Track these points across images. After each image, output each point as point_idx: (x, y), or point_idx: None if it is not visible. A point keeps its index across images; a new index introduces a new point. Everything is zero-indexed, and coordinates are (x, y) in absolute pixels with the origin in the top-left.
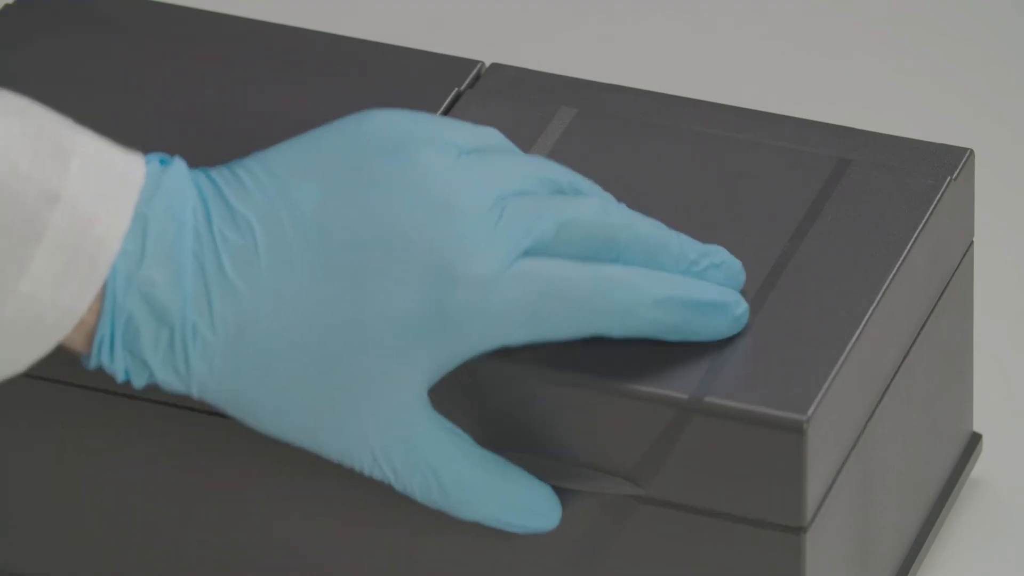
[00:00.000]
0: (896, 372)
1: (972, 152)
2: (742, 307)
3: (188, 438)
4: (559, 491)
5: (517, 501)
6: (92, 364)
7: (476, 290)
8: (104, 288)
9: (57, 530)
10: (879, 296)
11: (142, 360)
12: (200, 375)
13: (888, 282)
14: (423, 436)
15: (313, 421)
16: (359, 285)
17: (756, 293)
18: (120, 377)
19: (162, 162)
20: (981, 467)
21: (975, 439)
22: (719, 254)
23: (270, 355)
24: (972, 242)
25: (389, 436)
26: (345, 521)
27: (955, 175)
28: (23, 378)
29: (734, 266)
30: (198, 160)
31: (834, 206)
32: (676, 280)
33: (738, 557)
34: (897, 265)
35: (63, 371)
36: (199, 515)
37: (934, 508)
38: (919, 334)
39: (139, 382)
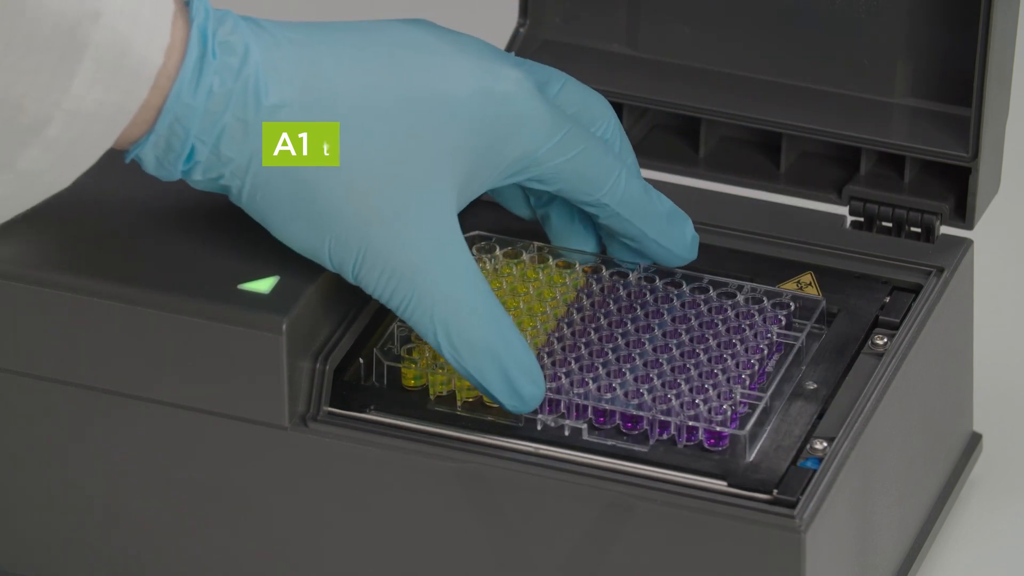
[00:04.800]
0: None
1: None
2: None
3: (188, 438)
4: None
5: (520, 355)
6: (146, 151)
7: (516, 85)
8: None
9: (57, 530)
10: None
11: (211, 116)
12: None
13: None
14: (456, 245)
15: (360, 205)
16: (419, 65)
17: None
18: (183, 153)
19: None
20: (981, 467)
21: (975, 439)
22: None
23: (336, 118)
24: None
25: (425, 231)
26: (346, 522)
27: None
28: (23, 378)
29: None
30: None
31: None
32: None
33: (738, 557)
34: None
35: (63, 371)
36: (199, 515)
37: (934, 508)
38: (919, 334)
39: (203, 151)
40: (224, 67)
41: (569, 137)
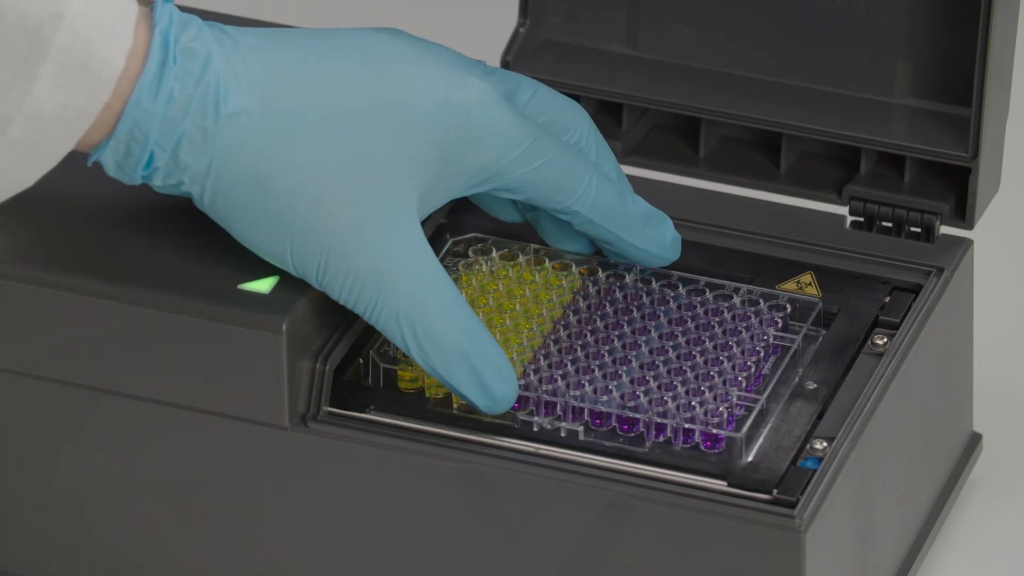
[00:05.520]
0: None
1: None
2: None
3: (188, 438)
4: None
5: (490, 353)
6: (106, 155)
7: (480, 95)
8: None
9: (57, 530)
10: None
11: (170, 123)
12: (226, 141)
13: None
14: (419, 248)
15: (320, 211)
16: (382, 73)
17: None
18: (143, 159)
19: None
20: (981, 467)
21: (975, 439)
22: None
23: (297, 125)
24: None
25: (386, 235)
26: (346, 522)
27: None
28: (23, 378)
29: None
30: None
31: None
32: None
33: (738, 557)
34: None
35: (63, 371)
36: (199, 515)
37: (934, 508)
38: (919, 334)
39: (163, 157)
40: (185, 73)
41: (535, 146)
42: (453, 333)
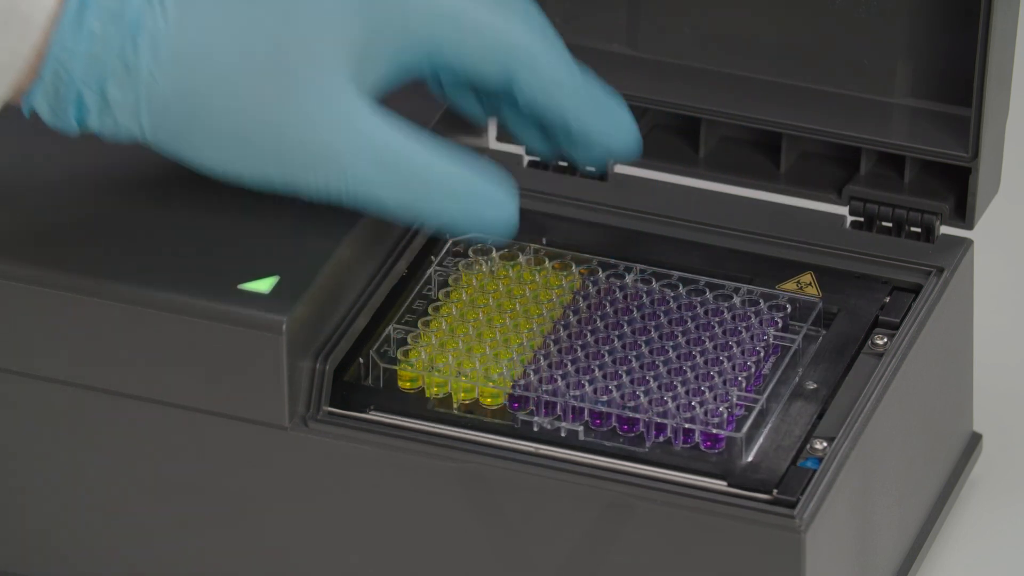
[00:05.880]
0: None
1: None
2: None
3: (188, 438)
4: None
5: (477, 179)
6: (38, 100)
7: None
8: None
9: (57, 530)
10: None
11: (93, 60)
12: (148, 69)
13: None
14: (365, 112)
15: (259, 108)
16: None
17: None
18: (72, 100)
19: None
20: (981, 467)
21: (975, 439)
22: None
23: (214, 36)
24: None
25: (331, 110)
26: (346, 522)
27: None
28: (23, 378)
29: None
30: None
31: None
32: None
33: (738, 557)
34: None
35: (63, 371)
36: (199, 515)
37: (934, 508)
38: (919, 334)
39: (92, 97)
40: (103, 10)
41: (466, 8)
42: (437, 169)
